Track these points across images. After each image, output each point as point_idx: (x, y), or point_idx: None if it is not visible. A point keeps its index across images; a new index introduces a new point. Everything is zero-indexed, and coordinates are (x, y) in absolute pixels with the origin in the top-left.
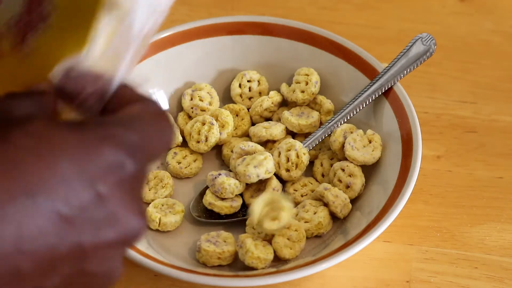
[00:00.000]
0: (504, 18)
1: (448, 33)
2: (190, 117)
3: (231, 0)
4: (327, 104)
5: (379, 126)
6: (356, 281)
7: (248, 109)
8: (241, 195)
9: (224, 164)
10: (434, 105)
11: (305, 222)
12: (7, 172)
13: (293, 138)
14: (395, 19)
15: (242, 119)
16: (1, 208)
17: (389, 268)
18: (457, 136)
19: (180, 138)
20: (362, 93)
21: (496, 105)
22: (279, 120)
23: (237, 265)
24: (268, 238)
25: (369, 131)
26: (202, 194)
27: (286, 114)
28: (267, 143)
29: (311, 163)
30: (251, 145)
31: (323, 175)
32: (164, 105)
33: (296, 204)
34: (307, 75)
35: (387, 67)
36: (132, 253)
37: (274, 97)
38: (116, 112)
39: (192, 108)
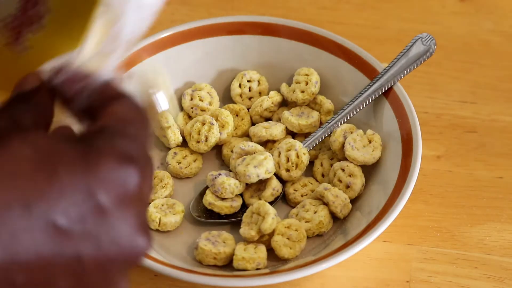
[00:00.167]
0: (504, 18)
1: (448, 33)
2: (190, 117)
3: (231, 0)
4: (327, 104)
5: (379, 126)
6: (356, 281)
7: (248, 109)
8: (241, 195)
9: (224, 164)
10: (434, 105)
11: (306, 221)
12: (3, 182)
13: (293, 138)
14: (395, 19)
15: (242, 119)
16: None
17: (389, 268)
18: (457, 136)
19: (180, 138)
20: (362, 93)
21: (496, 105)
22: (279, 120)
23: None
24: (265, 240)
25: (369, 131)
26: (202, 194)
27: (286, 114)
28: (267, 143)
29: (311, 163)
30: (251, 145)
31: (323, 175)
32: (164, 105)
33: (296, 204)
34: (307, 75)
35: (387, 67)
36: None
37: (274, 97)
38: (100, 110)
39: (192, 108)
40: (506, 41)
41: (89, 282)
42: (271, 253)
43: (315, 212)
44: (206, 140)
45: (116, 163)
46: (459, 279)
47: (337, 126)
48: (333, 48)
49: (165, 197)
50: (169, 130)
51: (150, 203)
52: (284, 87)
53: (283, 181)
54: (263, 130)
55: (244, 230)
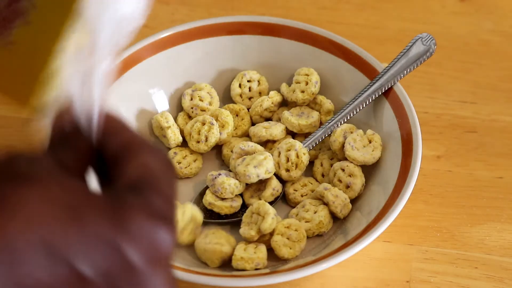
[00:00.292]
0: (504, 18)
1: (448, 33)
2: (190, 117)
3: (231, 0)
4: (327, 104)
5: (379, 126)
6: (356, 281)
7: (248, 109)
8: (241, 195)
9: (224, 164)
10: (434, 105)
11: (306, 221)
12: (29, 220)
13: (293, 138)
14: (395, 19)
15: (242, 119)
16: (16, 254)
17: (389, 268)
18: (457, 136)
19: (180, 138)
20: (362, 93)
21: (496, 105)
22: (279, 120)
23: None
24: (265, 240)
25: (369, 131)
26: (202, 194)
27: (286, 114)
28: (267, 143)
29: (311, 163)
30: (251, 145)
31: (323, 175)
32: (164, 105)
33: (296, 204)
34: (307, 75)
35: (387, 67)
36: None
37: (274, 97)
38: (125, 161)
39: (192, 108)
40: (506, 41)
41: None
42: (271, 253)
43: (315, 212)
44: (206, 140)
45: (149, 221)
46: (459, 279)
47: (337, 126)
48: (333, 48)
49: None
50: (169, 130)
51: None
52: (284, 87)
53: (283, 181)
54: (263, 130)
55: (244, 230)
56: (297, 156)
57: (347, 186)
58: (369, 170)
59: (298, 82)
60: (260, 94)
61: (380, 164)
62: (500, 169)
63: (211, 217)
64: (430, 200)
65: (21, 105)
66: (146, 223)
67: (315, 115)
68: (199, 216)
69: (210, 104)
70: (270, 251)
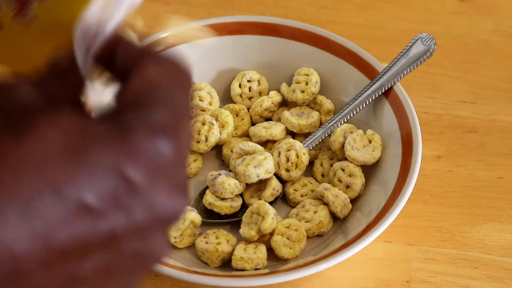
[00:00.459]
0: (504, 18)
1: (448, 33)
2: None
3: (231, 0)
4: (327, 104)
5: (379, 126)
6: (356, 281)
7: (248, 109)
8: (241, 195)
9: (224, 164)
10: (434, 105)
11: (306, 222)
12: (33, 170)
13: (293, 138)
14: (395, 19)
15: (242, 119)
16: (27, 204)
17: (389, 268)
18: (457, 136)
19: None
20: (362, 93)
21: (496, 105)
22: (279, 120)
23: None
24: (265, 240)
25: (369, 131)
26: (202, 194)
27: (286, 114)
28: (267, 143)
29: (311, 163)
30: (251, 145)
31: (323, 175)
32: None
33: (296, 204)
34: (307, 75)
35: (387, 67)
36: None
37: (274, 97)
38: (131, 71)
39: (192, 108)
40: (506, 41)
41: (126, 248)
42: (271, 253)
43: (315, 212)
44: (206, 140)
45: (146, 136)
46: (459, 279)
47: (337, 126)
48: (333, 48)
49: None
50: None
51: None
52: (284, 87)
53: (283, 181)
54: (263, 130)
55: (244, 230)
56: (297, 156)
57: (347, 186)
58: (369, 170)
59: (298, 82)
60: (260, 94)
61: (380, 164)
62: (500, 169)
63: (211, 217)
64: (430, 200)
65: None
66: (143, 138)
67: (315, 115)
68: (198, 219)
69: (210, 104)
70: (270, 251)
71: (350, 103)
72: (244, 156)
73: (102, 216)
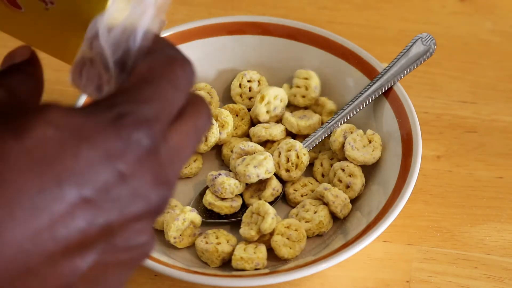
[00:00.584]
0: (504, 18)
1: (448, 33)
2: None
3: (231, 0)
4: (329, 104)
5: (379, 126)
6: (356, 281)
7: (248, 109)
8: (241, 195)
9: (224, 164)
10: (434, 105)
11: (306, 222)
12: (35, 168)
13: (293, 138)
14: (395, 19)
15: (242, 119)
16: (32, 201)
17: (389, 268)
18: (457, 136)
19: None
20: (362, 93)
21: (496, 105)
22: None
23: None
24: (265, 240)
25: (369, 131)
26: (202, 194)
27: (287, 114)
28: (267, 143)
29: (311, 163)
30: (251, 145)
31: (323, 175)
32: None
33: (296, 204)
34: (306, 78)
35: (387, 67)
36: None
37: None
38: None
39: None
40: (506, 41)
41: (119, 242)
42: (271, 253)
43: (315, 212)
44: (206, 140)
45: (127, 131)
46: (459, 279)
47: (337, 126)
48: (333, 48)
49: None
50: None
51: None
52: (285, 88)
53: (283, 181)
54: (263, 130)
55: (244, 230)
56: (297, 157)
57: (347, 186)
58: (369, 170)
59: (298, 87)
60: None
61: (380, 164)
62: (500, 169)
63: (211, 217)
64: (430, 200)
65: (63, 59)
66: (130, 131)
67: (315, 118)
68: (198, 219)
69: (210, 104)
70: (270, 251)
71: (350, 103)
72: (244, 156)
73: (99, 208)
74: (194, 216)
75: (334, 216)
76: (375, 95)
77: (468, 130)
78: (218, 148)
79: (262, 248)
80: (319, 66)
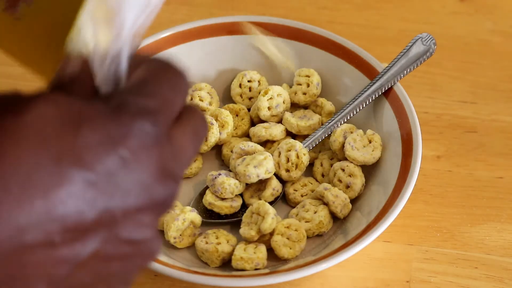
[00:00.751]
0: (504, 18)
1: (448, 33)
2: None
3: (231, 0)
4: (328, 105)
5: (379, 126)
6: (356, 281)
7: (248, 109)
8: (241, 195)
9: (224, 164)
10: (434, 105)
11: (306, 222)
12: (32, 143)
13: (293, 138)
14: (395, 19)
15: (242, 119)
16: (29, 177)
17: (389, 268)
18: (457, 136)
19: None
20: (362, 93)
21: (496, 105)
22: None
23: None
24: (265, 240)
25: (369, 131)
26: (202, 194)
27: (287, 114)
28: (267, 143)
29: (311, 163)
30: (251, 145)
31: (323, 175)
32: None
33: (296, 204)
34: (308, 76)
35: (387, 67)
36: None
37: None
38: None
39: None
40: (506, 41)
41: (122, 233)
42: (271, 253)
43: (315, 212)
44: (206, 140)
45: (130, 118)
46: (459, 279)
47: (337, 126)
48: (333, 48)
49: None
50: None
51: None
52: (285, 87)
53: (283, 181)
54: (263, 130)
55: (244, 230)
56: (297, 157)
57: (347, 186)
58: (369, 170)
59: (299, 84)
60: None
61: (380, 164)
62: (500, 169)
63: (211, 217)
64: (430, 200)
65: (41, 75)
66: (131, 118)
67: (315, 118)
68: (198, 219)
69: (210, 104)
70: (270, 251)
71: (350, 103)
72: (244, 156)
73: (100, 191)
74: (194, 216)
75: (334, 216)
76: (375, 95)
77: (468, 130)
78: (218, 148)
79: (262, 248)
80: (319, 66)
